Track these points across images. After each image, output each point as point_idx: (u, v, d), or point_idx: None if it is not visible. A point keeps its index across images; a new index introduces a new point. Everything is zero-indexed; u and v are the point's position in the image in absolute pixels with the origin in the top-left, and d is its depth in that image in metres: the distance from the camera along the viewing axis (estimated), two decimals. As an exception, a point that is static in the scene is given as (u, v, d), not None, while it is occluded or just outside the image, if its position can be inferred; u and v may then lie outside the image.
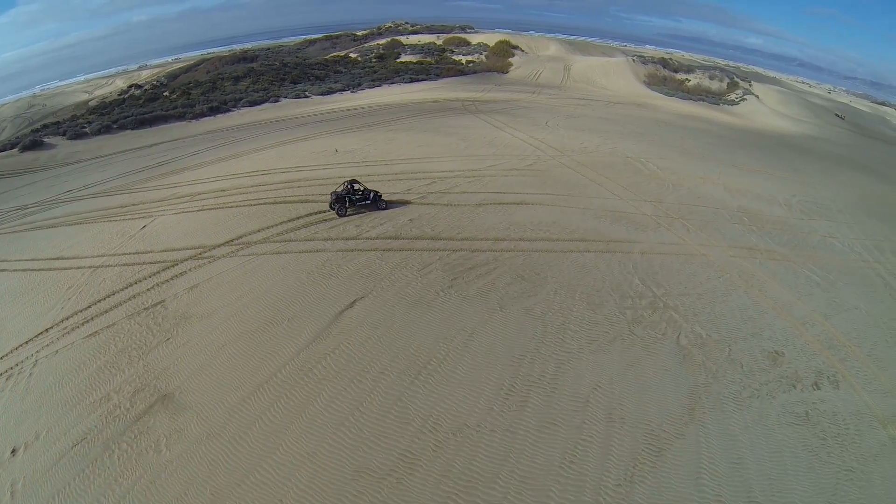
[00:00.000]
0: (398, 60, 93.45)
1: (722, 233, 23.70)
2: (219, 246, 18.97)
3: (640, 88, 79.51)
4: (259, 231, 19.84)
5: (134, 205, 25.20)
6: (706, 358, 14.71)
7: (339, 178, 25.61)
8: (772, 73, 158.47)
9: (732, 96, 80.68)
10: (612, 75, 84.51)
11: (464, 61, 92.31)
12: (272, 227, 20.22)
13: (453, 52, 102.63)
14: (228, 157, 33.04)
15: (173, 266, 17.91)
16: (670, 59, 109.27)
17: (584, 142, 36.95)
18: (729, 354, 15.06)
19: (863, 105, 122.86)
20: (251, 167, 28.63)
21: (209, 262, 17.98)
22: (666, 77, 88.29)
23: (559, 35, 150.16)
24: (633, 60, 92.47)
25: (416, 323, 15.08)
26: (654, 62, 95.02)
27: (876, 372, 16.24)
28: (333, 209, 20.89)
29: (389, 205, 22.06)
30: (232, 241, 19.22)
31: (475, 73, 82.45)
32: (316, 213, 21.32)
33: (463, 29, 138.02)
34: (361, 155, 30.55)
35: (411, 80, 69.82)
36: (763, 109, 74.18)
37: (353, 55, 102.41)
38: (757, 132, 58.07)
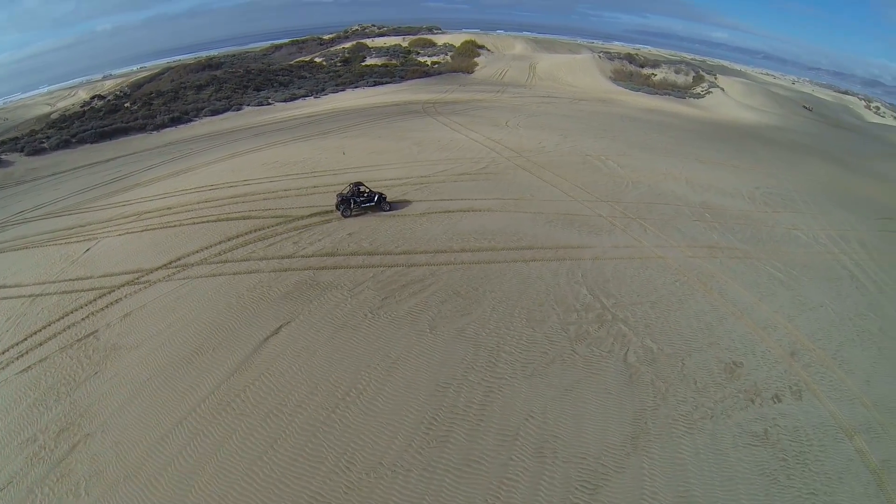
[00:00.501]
0: (363, 64, 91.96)
1: (682, 232, 22.58)
2: (156, 269, 18.10)
3: (606, 84, 79.03)
4: (198, 252, 18.96)
5: (81, 226, 23.78)
6: (656, 376, 13.42)
7: (285, 191, 24.36)
8: (737, 66, 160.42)
9: (698, 90, 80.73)
10: (578, 72, 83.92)
11: (429, 62, 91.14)
12: (211, 246, 19.31)
13: (419, 53, 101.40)
14: (181, 171, 31.51)
15: (110, 293, 17.11)
16: (637, 54, 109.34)
17: (543, 141, 35.75)
18: (682, 370, 13.80)
19: (826, 95, 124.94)
20: (200, 182, 27.44)
21: (145, 288, 17.15)
22: (632, 72, 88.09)
23: (526, 34, 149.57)
24: (600, 57, 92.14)
25: (339, 350, 13.86)
26: (621, 58, 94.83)
27: (842, 376, 15.15)
28: (339, 210, 21.05)
29: (393, 206, 22.16)
30: (170, 263, 18.37)
31: (440, 73, 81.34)
32: (257, 231, 20.30)
33: (430, 30, 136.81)
34: (311, 165, 28.97)
35: (375, 84, 68.49)
36: (728, 102, 74.25)
37: (318, 60, 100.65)
38: (722, 124, 57.72)
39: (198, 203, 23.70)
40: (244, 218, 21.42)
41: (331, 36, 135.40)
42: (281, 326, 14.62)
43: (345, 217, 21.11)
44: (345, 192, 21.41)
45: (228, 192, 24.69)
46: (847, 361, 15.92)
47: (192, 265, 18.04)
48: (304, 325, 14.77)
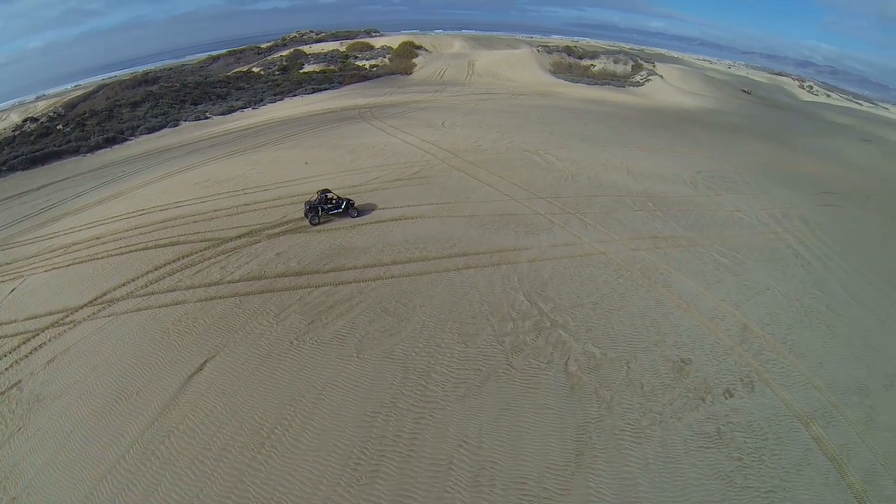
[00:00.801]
0: (301, 71, 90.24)
1: (623, 224, 22.37)
2: (82, 307, 17.18)
3: (545, 77, 80.00)
4: (124, 285, 18.15)
5: (7, 264, 22.02)
6: (599, 384, 12.82)
7: (216, 211, 23.13)
8: (675, 54, 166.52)
9: (637, 78, 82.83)
10: (517, 67, 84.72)
11: (367, 66, 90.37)
12: (138, 278, 18.51)
13: (357, 57, 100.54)
14: (113, 196, 29.68)
15: (34, 337, 16.16)
16: (575, 46, 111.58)
17: (480, 139, 35.29)
18: (627, 374, 13.26)
19: (761, 77, 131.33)
20: (131, 207, 25.96)
21: (70, 329, 16.23)
22: (571, 64, 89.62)
23: (465, 32, 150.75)
24: (538, 51, 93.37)
25: (265, 383, 13.04)
26: (559, 51, 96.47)
27: (793, 361, 15.03)
28: (307, 218, 21.15)
29: (362, 211, 22.34)
30: (95, 300, 17.49)
31: (379, 77, 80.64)
32: (185, 257, 19.45)
33: (368, 33, 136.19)
34: (242, 182, 27.57)
35: (314, 91, 67.40)
36: (667, 88, 76.47)
37: (255, 69, 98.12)
38: (661, 111, 59.20)
39: (127, 231, 22.69)
40: (173, 244, 20.60)
41: (269, 44, 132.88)
42: (206, 362, 13.93)
43: (313, 225, 21.21)
44: (312, 199, 21.51)
45: (159, 217, 23.77)
46: (798, 344, 15.88)
47: (118, 300, 17.22)
48: (229, 358, 14.06)
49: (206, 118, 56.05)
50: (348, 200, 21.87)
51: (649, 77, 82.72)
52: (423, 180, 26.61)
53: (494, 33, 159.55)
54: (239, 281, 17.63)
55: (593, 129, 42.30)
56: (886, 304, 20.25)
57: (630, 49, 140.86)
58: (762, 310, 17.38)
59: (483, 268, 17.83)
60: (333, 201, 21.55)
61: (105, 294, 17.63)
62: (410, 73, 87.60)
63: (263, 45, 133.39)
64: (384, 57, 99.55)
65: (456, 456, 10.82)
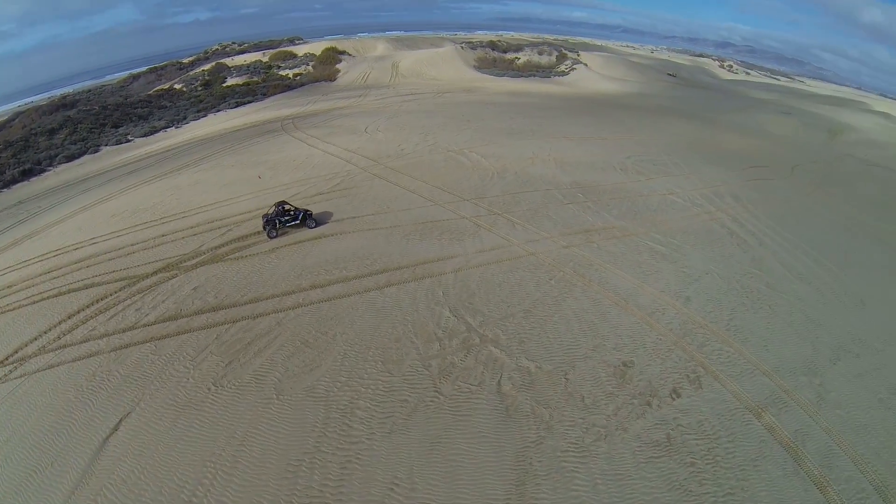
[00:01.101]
0: (225, 85, 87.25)
1: (553, 220, 21.88)
2: None
3: (470, 73, 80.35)
4: (36, 339, 16.60)
5: None
6: (537, 402, 11.97)
7: (132, 245, 21.59)
8: (599, 42, 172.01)
9: (562, 67, 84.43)
10: (442, 65, 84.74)
11: (291, 75, 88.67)
12: (50, 329, 16.93)
13: (280, 67, 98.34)
14: (27, 236, 27.14)
15: None
16: (499, 40, 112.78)
17: (403, 143, 34.31)
18: (566, 387, 12.49)
19: (683, 59, 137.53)
20: (45, 248, 24.14)
21: None
22: (496, 59, 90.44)
23: (388, 34, 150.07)
24: (462, 47, 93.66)
25: (183, 438, 12.03)
26: (483, 46, 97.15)
27: (739, 349, 14.75)
28: (265, 231, 21.12)
29: (319, 220, 22.15)
30: (6, 359, 15.85)
31: (303, 85, 79.23)
32: (99, 301, 18.00)
33: (292, 41, 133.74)
34: (161, 210, 25.74)
35: (237, 105, 65.30)
36: (592, 76, 78.34)
37: (177, 86, 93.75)
38: (587, 98, 60.34)
39: (40, 275, 21.04)
40: (87, 286, 19.17)
41: (191, 59, 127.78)
42: (121, 420, 12.78)
43: (271, 238, 21.02)
44: (269, 212, 21.41)
45: (74, 257, 22.18)
46: (741, 329, 15.67)
47: (30, 357, 15.72)
48: (146, 413, 12.92)
49: (128, 141, 54.27)
50: (306, 211, 21.65)
51: (574, 66, 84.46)
52: (344, 192, 25.35)
53: (418, 33, 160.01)
54: (154, 323, 16.40)
55: (519, 122, 42.19)
56: (822, 273, 20.62)
57: (554, 40, 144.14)
58: (703, 296, 17.15)
59: (406, 283, 16.80)
60: (291, 213, 21.39)
61: (16, 352, 16.08)
62: (335, 80, 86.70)
63: (185, 60, 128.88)
64: (308, 65, 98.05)
65: (387, 501, 9.69)
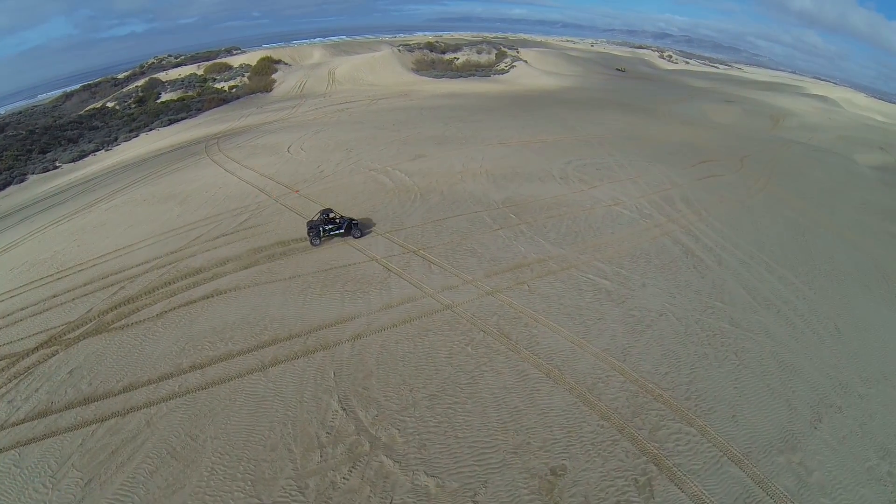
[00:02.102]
0: (159, 101, 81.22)
1: (479, 254, 18.41)
2: None
3: (408, 77, 76.77)
4: None
5: None
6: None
7: (21, 310, 18.37)
8: (539, 38, 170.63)
9: (502, 66, 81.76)
10: (379, 70, 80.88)
11: (226, 88, 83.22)
12: None
13: (216, 79, 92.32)
14: None
15: None
16: (437, 41, 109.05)
17: (324, 163, 30.35)
18: (475, 520, 8.95)
19: (623, 52, 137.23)
20: None
21: None
22: (434, 60, 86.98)
23: (326, 39, 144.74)
24: (400, 50, 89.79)
25: None
26: (421, 48, 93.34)
27: (702, 426, 11.57)
28: (309, 238, 20.25)
29: (363, 230, 20.88)
30: None
31: (239, 98, 74.35)
32: None
33: (229, 52, 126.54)
34: (59, 261, 21.73)
35: (170, 122, 60.43)
36: (532, 72, 76.05)
37: (110, 104, 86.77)
38: (526, 96, 57.45)
39: None
40: None
41: (126, 73, 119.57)
42: None
43: (314, 245, 20.14)
44: (314, 219, 20.70)
45: None
46: (704, 395, 12.52)
47: None
48: None
49: (56, 168, 49.44)
50: (351, 220, 20.61)
51: (514, 63, 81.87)
52: (250, 231, 21.47)
53: (358, 37, 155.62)
54: (23, 422, 13.34)
55: (453, 127, 38.65)
56: (790, 295, 17.82)
57: (494, 38, 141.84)
58: (657, 352, 13.94)
59: (295, 360, 13.25)
60: (336, 221, 20.37)
61: None
62: (271, 90, 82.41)
63: (121, 76, 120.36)
64: (244, 76, 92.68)
65: None
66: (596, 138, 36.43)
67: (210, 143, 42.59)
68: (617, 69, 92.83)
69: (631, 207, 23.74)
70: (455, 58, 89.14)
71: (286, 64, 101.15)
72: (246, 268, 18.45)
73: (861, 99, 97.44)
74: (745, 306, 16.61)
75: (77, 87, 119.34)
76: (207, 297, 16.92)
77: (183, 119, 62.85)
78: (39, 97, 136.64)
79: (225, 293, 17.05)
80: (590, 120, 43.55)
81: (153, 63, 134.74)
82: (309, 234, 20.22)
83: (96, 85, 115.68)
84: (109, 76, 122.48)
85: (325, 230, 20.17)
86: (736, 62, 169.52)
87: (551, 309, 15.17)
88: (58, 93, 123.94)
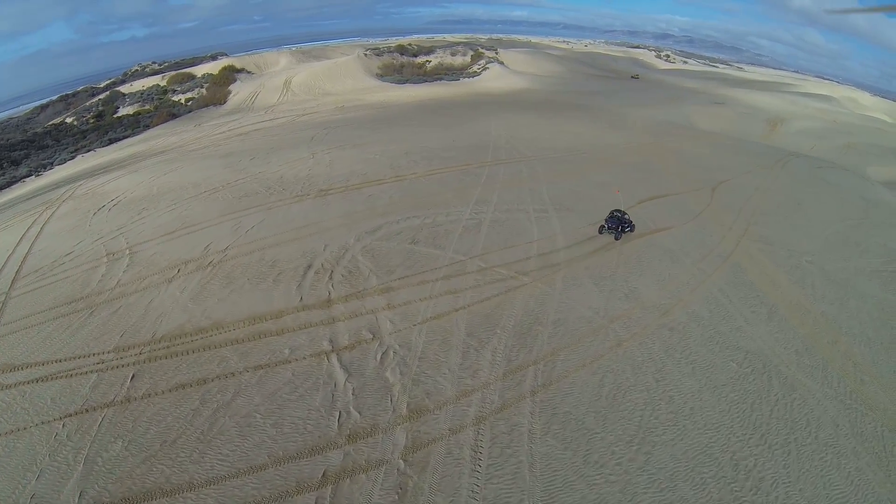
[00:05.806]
0: (116, 115, 74.33)
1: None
2: None
3: (369, 83, 68.49)
4: None
5: None
6: None
7: None
8: (535, 39, 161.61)
9: (475, 68, 73.04)
10: (340, 77, 72.75)
11: (183, 101, 75.89)
12: None
13: (175, 91, 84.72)
14: None
15: None
16: (409, 44, 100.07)
17: (141, 236, 21.61)
18: None
19: (617, 52, 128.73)
20: None
21: None
22: (404, 64, 78.44)
23: (297, 46, 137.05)
24: (367, 54, 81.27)
25: None
26: (391, 51, 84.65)
27: None
28: (612, 232, 18.62)
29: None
30: None
31: (190, 111, 67.41)
32: None
33: (214, 57, 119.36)
34: None
35: (110, 142, 52.87)
36: (505, 73, 68.29)
37: (69, 119, 79.73)
38: (474, 102, 47.94)
39: None
40: None
41: (107, 83, 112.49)
42: None
43: (616, 240, 18.40)
44: (616, 215, 18.83)
45: None
46: None
47: None
48: None
49: None
50: (632, 224, 19.02)
51: (488, 65, 73.11)
52: None
53: (353, 40, 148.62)
54: None
55: (315, 148, 29.67)
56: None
57: (488, 39, 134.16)
58: None
59: None
60: (629, 222, 18.77)
61: None
62: (225, 102, 74.58)
63: (101, 85, 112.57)
64: (202, 87, 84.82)
65: None
66: (536, 168, 27.19)
67: (79, 185, 32.27)
68: (632, 77, 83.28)
69: (594, 311, 14.62)
70: (427, 61, 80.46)
71: (249, 73, 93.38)
72: None
73: (866, 98, 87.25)
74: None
75: (55, 97, 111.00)
76: None
77: (127, 137, 55.55)
78: (11, 110, 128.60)
79: None
80: (541, 128, 34.18)
81: (136, 70, 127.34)
82: (614, 229, 18.76)
83: (73, 95, 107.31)
84: (88, 86, 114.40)
85: (623, 230, 18.64)
86: (737, 62, 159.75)
87: None
88: (38, 103, 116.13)
